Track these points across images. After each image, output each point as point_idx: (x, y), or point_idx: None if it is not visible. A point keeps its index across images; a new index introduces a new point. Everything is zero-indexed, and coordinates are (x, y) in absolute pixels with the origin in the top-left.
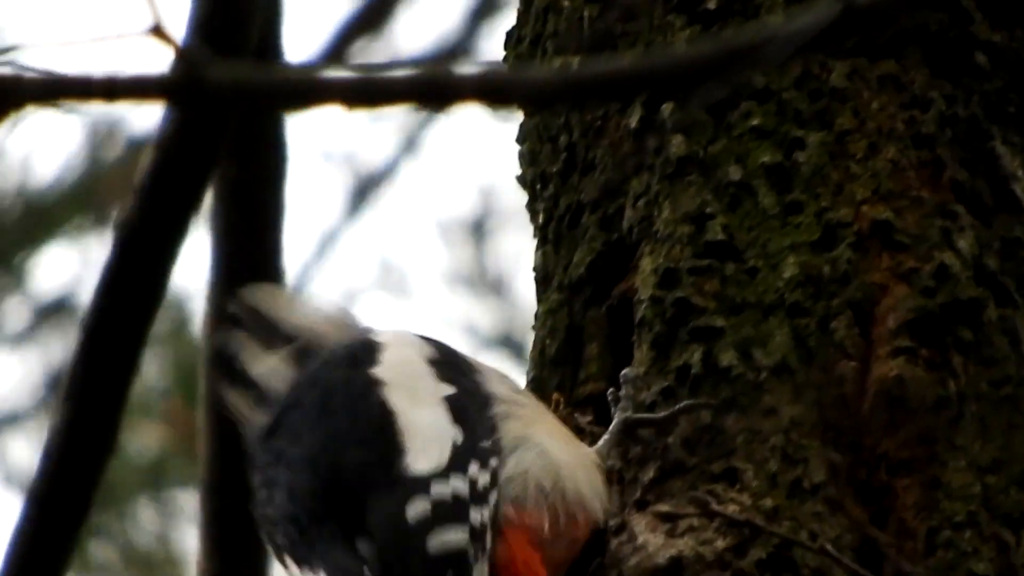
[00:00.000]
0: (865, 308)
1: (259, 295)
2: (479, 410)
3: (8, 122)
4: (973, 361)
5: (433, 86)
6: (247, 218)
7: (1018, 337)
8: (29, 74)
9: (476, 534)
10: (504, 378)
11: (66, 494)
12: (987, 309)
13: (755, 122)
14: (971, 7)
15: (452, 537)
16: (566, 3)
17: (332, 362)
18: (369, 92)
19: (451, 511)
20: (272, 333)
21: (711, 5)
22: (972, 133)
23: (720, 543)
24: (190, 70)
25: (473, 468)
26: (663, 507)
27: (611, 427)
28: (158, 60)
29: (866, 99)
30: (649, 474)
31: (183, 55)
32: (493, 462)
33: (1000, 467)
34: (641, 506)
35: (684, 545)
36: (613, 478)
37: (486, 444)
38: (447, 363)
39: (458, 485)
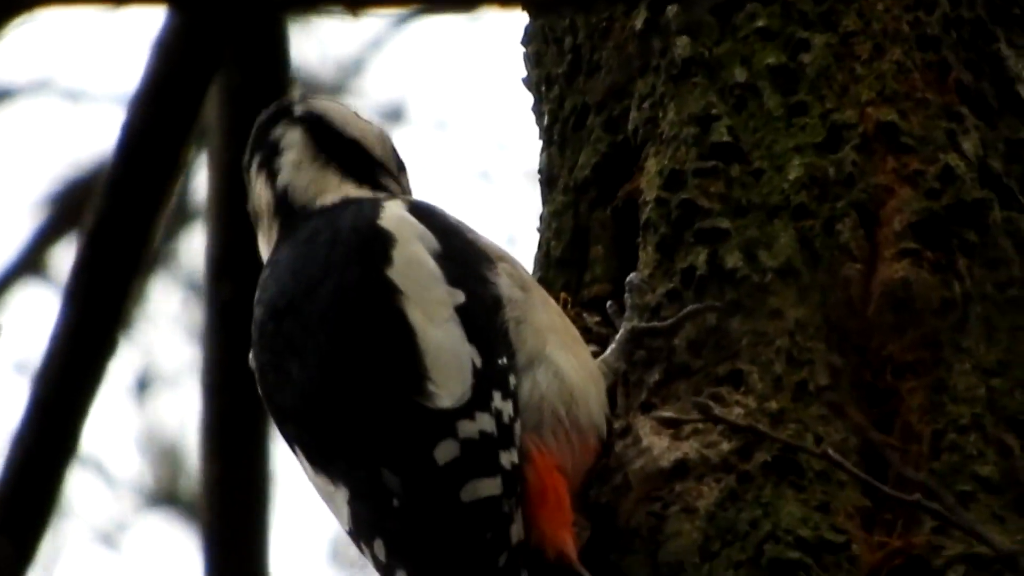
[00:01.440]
0: (870, 210)
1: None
2: (491, 317)
3: (19, 22)
4: (978, 263)
5: None
6: (249, 128)
7: (1023, 238)
8: None
9: (508, 480)
10: (504, 259)
11: (69, 393)
12: (992, 211)
13: (760, 24)
14: None
15: (485, 489)
16: None
17: (341, 245)
18: None
19: (481, 455)
20: (330, 146)
21: None
22: (977, 35)
23: (725, 446)
24: None
25: (496, 398)
26: (667, 412)
27: (618, 336)
28: None
29: (871, 1)
30: (654, 377)
31: None
32: (512, 381)
33: (1005, 370)
34: (646, 409)
35: (689, 448)
36: (618, 380)
37: (503, 362)
38: (454, 256)
39: (484, 422)
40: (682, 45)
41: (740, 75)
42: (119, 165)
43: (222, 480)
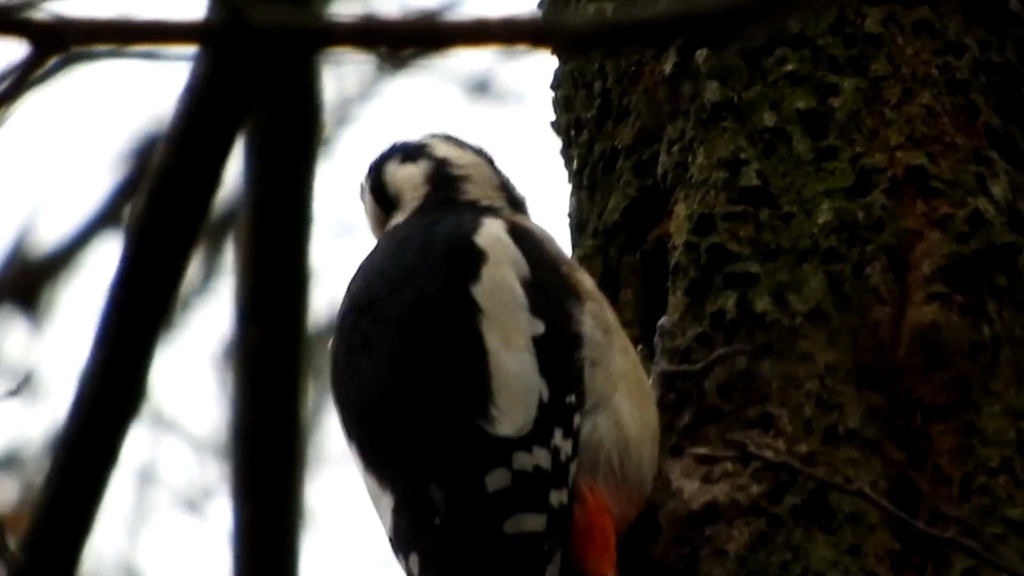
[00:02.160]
0: (900, 254)
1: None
2: (567, 354)
3: (50, 64)
4: (1007, 306)
5: (476, 32)
6: (278, 167)
7: None
8: (71, 19)
9: (553, 519)
10: (594, 298)
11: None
12: (1021, 255)
13: (790, 68)
14: None
15: (529, 524)
16: None
17: (433, 253)
18: (420, 37)
19: (531, 490)
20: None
21: None
22: (1006, 79)
23: (755, 489)
24: (233, 13)
25: (557, 435)
26: (700, 449)
27: (649, 381)
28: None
29: (900, 45)
30: (684, 420)
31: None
32: (576, 421)
33: None
34: (676, 452)
35: (719, 491)
36: None
37: (571, 399)
38: (542, 286)
39: (540, 457)
40: (712, 89)
41: (769, 119)
42: (148, 211)
43: (252, 525)
